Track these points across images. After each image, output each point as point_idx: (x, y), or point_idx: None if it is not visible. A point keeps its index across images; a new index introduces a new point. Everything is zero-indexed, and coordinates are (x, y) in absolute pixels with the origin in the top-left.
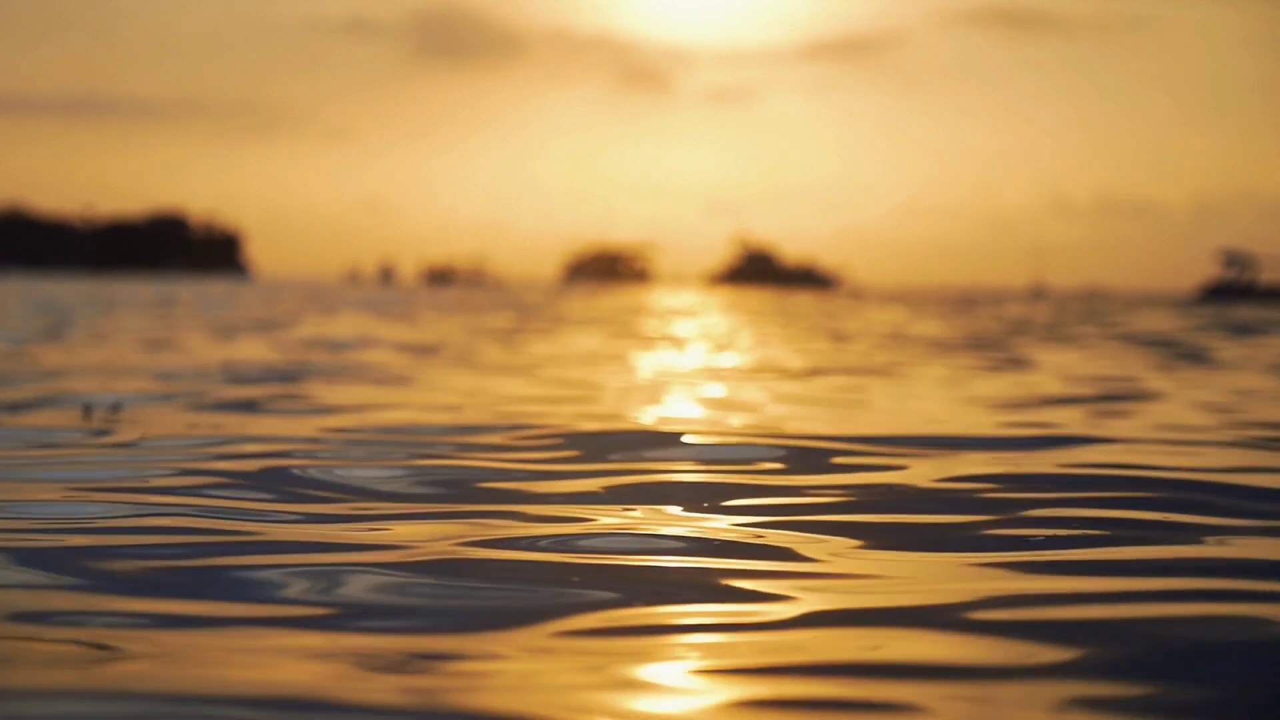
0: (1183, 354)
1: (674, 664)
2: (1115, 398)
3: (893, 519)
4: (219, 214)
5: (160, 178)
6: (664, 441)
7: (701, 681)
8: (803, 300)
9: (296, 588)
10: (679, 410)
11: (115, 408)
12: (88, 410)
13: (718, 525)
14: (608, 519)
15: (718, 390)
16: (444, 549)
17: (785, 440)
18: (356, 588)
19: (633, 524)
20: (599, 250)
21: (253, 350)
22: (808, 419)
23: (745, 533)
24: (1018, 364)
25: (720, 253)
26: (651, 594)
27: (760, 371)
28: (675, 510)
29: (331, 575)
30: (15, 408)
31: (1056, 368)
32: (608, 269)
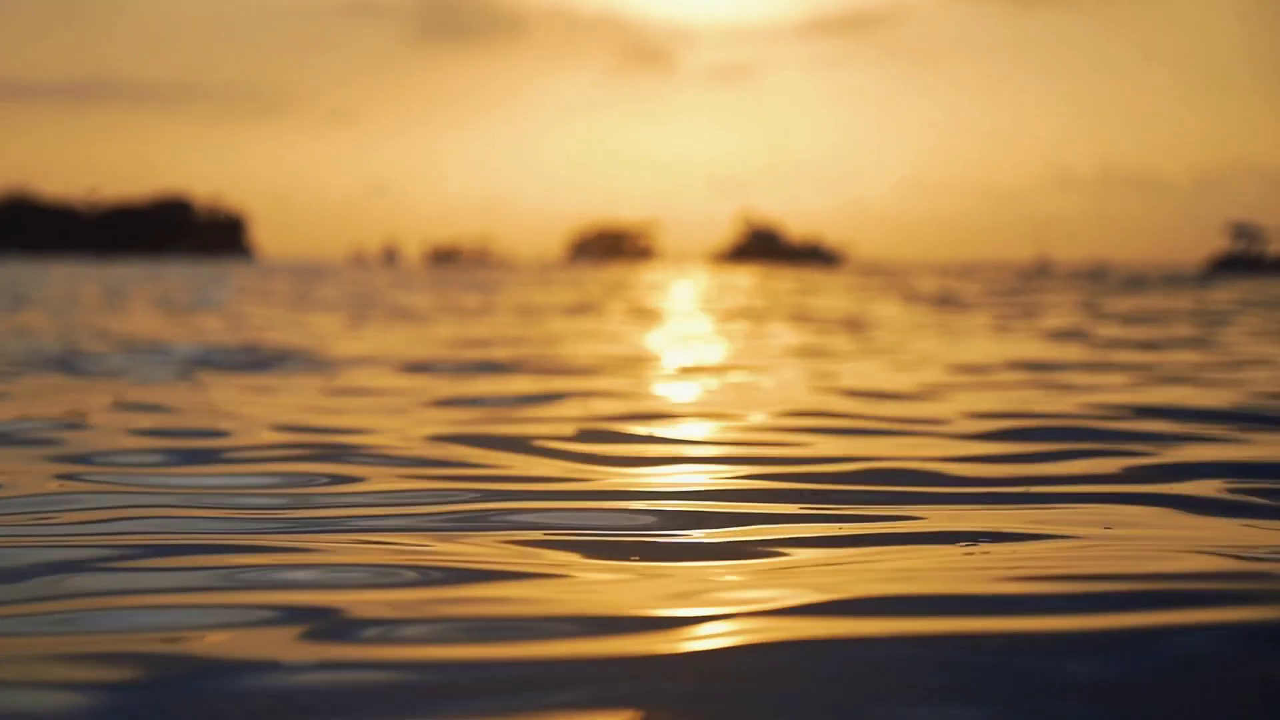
0: None
1: None
2: None
3: None
4: (223, 197)
5: (164, 161)
6: None
7: None
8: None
9: None
10: None
11: None
12: None
13: None
14: None
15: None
16: None
17: None
18: None
19: None
20: (603, 228)
21: None
22: None
23: None
24: None
25: (723, 230)
26: None
27: None
28: None
29: None
30: None
31: None
32: (612, 247)
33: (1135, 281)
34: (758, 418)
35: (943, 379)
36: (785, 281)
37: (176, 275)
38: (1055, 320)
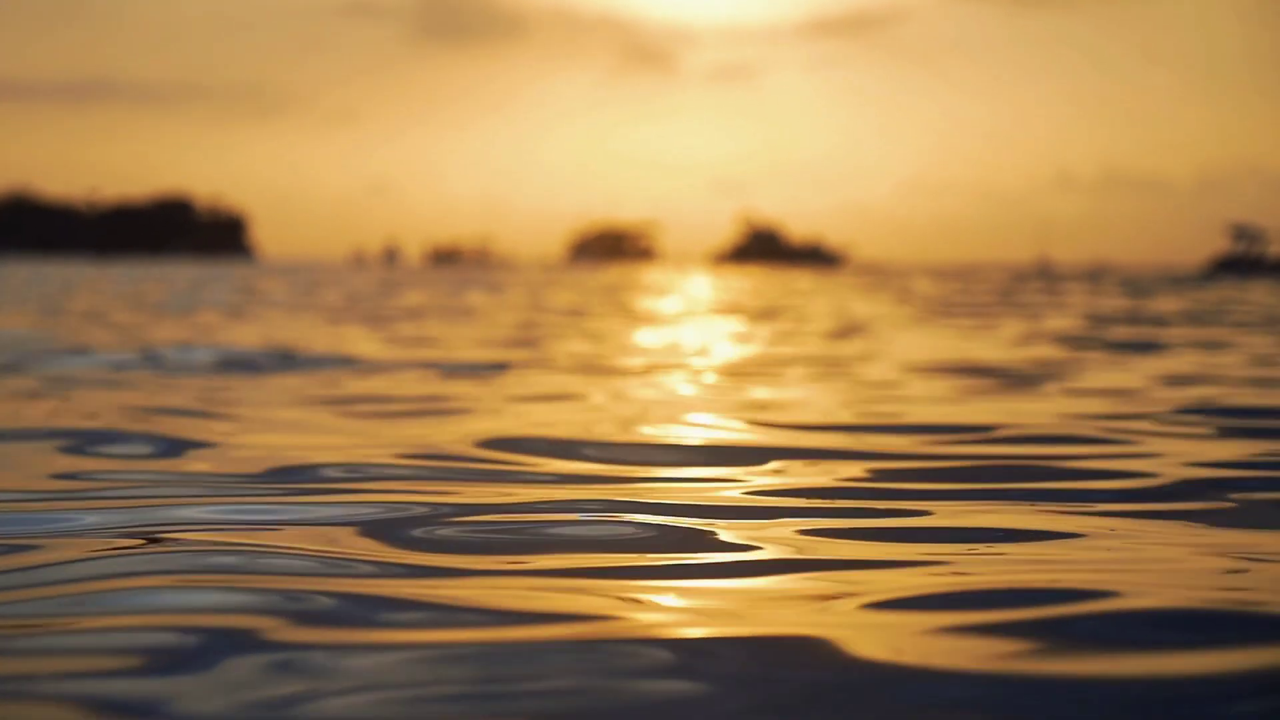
0: None
1: None
2: None
3: None
4: (224, 197)
5: (165, 161)
6: None
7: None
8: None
9: None
10: None
11: None
12: None
13: None
14: None
15: None
16: None
17: None
18: None
19: None
20: (603, 229)
21: None
22: None
23: None
24: None
25: (724, 230)
26: None
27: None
28: None
29: None
30: None
31: None
32: (612, 247)
33: (1138, 283)
34: (778, 418)
35: (960, 380)
36: (790, 282)
37: (183, 275)
38: (1069, 322)
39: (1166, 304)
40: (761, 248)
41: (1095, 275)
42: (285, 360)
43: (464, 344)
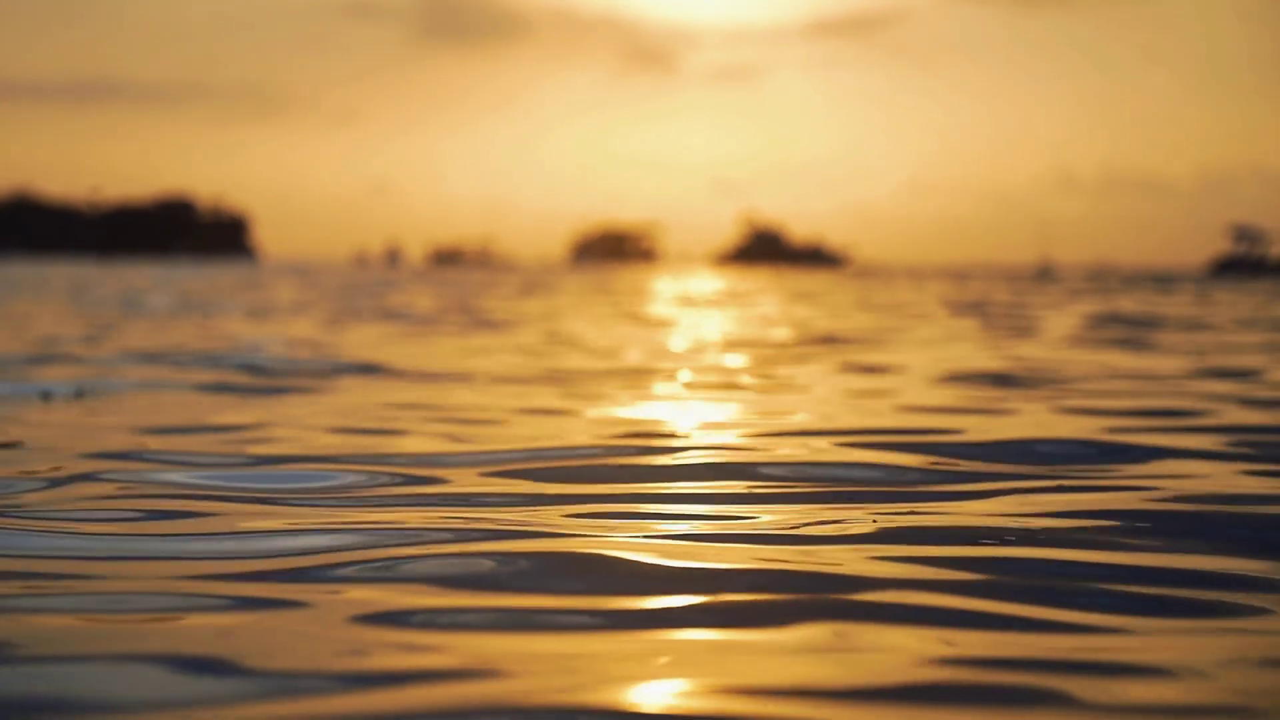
0: None
1: None
2: None
3: None
4: (226, 197)
5: (167, 161)
6: None
7: None
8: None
9: None
10: None
11: (78, 394)
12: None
13: None
14: None
15: None
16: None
17: None
18: None
19: None
20: (605, 230)
21: None
22: None
23: None
24: None
25: (726, 231)
26: None
27: None
28: None
29: None
30: None
31: None
32: (614, 248)
33: (1143, 282)
34: (808, 429)
35: (1001, 390)
36: (796, 283)
37: (193, 277)
38: (1103, 326)
39: (1198, 308)
40: (763, 248)
41: (1096, 276)
42: (345, 369)
43: (524, 352)
